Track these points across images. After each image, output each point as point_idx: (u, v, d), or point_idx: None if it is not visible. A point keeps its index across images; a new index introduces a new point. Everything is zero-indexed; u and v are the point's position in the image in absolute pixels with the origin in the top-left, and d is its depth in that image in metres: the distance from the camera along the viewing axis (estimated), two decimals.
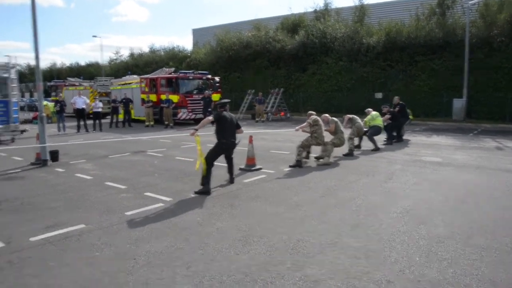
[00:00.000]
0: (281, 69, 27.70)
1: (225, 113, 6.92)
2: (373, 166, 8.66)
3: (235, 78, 29.80)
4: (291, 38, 27.69)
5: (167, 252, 4.12)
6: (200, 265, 3.79)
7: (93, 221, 5.18)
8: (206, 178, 6.53)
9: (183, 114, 19.81)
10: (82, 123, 18.29)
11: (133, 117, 21.22)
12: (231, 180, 7.15)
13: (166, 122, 19.14)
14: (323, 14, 29.01)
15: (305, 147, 8.94)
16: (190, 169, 8.24)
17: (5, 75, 15.08)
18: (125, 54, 47.96)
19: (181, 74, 20.60)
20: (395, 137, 12.65)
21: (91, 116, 18.74)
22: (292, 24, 29.75)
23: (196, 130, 6.73)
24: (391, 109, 12.77)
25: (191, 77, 20.73)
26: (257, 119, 22.23)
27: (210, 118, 6.83)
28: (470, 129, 16.94)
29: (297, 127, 9.32)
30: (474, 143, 12.40)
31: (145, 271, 3.70)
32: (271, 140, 13.40)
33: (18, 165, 9.57)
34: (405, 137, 13.42)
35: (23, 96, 44.91)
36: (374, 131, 11.27)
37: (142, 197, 6.33)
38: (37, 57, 9.54)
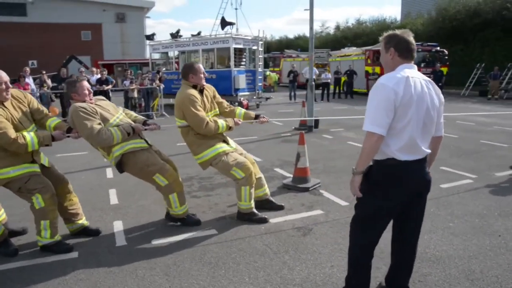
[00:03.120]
0: None
1: None
2: None
3: (458, 51, 27.02)
4: None
5: None
6: None
7: None
8: None
9: None
10: None
11: None
12: None
13: None
14: None
15: None
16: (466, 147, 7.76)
17: (254, 47, 16.93)
18: (330, 26, 48.54)
19: None
20: None
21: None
22: None
23: None
24: None
25: (419, 50, 19.62)
26: (489, 96, 19.83)
27: None
28: None
29: None
30: None
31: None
32: None
33: (280, 130, 10.62)
34: None
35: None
36: None
37: (441, 171, 6.22)
38: (311, 28, 10.39)
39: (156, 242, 3.81)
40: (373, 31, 36.07)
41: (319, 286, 3.01)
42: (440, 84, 17.88)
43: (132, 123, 3.94)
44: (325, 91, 19.34)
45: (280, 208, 4.62)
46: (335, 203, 4.86)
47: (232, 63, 15.46)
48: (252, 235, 3.95)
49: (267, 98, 17.25)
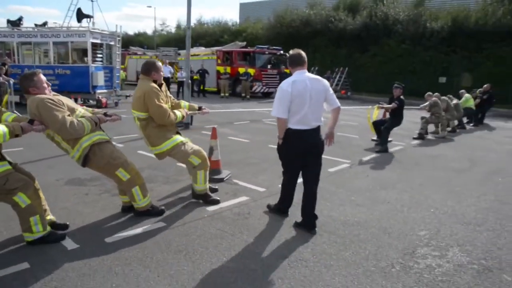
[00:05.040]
0: (341, 48, 28.20)
1: None
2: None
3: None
4: (353, 18, 28.08)
5: None
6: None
7: None
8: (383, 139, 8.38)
9: (258, 87, 20.79)
10: None
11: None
12: None
13: (243, 94, 20.15)
14: None
15: (428, 123, 10.12)
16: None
17: (112, 43, 16.18)
18: (171, 25, 48.68)
19: (257, 49, 21.50)
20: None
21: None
22: (350, 5, 30.05)
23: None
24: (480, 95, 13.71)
25: (267, 52, 21.58)
26: None
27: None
28: None
29: (420, 106, 10.45)
30: None
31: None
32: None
33: None
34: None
35: None
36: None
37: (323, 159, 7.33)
38: (188, 28, 10.67)
39: (110, 240, 3.72)
40: (215, 32, 37.78)
41: (288, 253, 3.51)
42: None
43: (93, 115, 3.82)
44: (181, 90, 19.65)
45: (214, 190, 5.19)
46: (254, 190, 5.40)
47: (89, 58, 14.52)
48: (200, 222, 4.21)
49: (127, 96, 16.68)
